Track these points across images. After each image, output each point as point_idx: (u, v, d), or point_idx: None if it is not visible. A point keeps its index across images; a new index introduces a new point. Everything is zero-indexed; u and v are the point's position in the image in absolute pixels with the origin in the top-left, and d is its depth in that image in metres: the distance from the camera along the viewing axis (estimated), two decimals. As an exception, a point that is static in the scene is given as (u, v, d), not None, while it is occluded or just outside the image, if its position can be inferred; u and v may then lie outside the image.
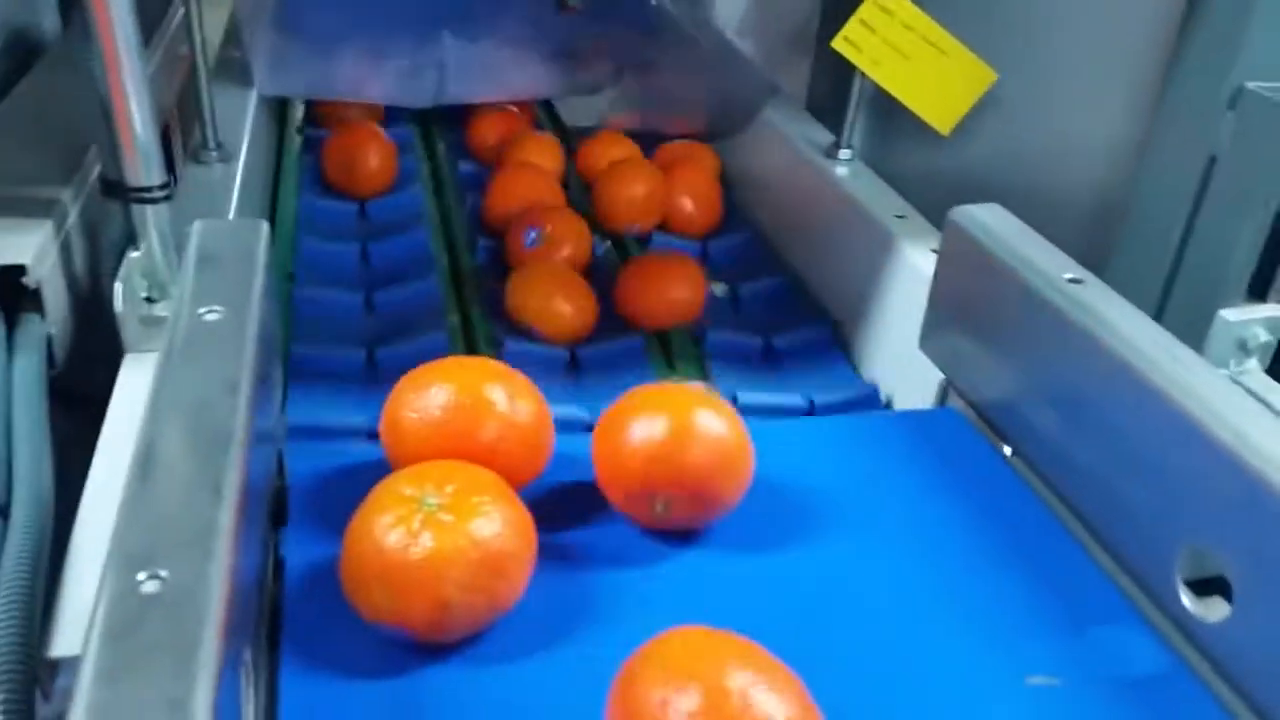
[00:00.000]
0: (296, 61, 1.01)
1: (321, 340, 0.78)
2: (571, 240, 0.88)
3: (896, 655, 0.47)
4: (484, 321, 0.83)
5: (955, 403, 0.66)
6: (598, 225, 0.95)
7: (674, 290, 0.83)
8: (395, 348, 0.77)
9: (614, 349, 0.81)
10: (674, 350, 0.83)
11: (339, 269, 0.89)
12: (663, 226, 0.98)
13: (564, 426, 0.62)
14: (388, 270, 0.90)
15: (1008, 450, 0.60)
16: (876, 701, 0.44)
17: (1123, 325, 0.51)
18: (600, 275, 0.87)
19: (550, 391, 0.62)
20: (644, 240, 0.98)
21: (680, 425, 0.51)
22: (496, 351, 0.78)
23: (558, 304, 0.80)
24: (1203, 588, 0.47)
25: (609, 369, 0.79)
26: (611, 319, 0.83)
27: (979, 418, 0.62)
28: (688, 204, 0.98)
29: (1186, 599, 0.46)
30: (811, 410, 0.74)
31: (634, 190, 0.96)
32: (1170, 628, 0.48)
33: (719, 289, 0.89)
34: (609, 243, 0.97)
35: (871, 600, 0.50)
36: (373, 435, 0.61)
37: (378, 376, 0.75)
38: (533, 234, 0.88)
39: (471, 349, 0.81)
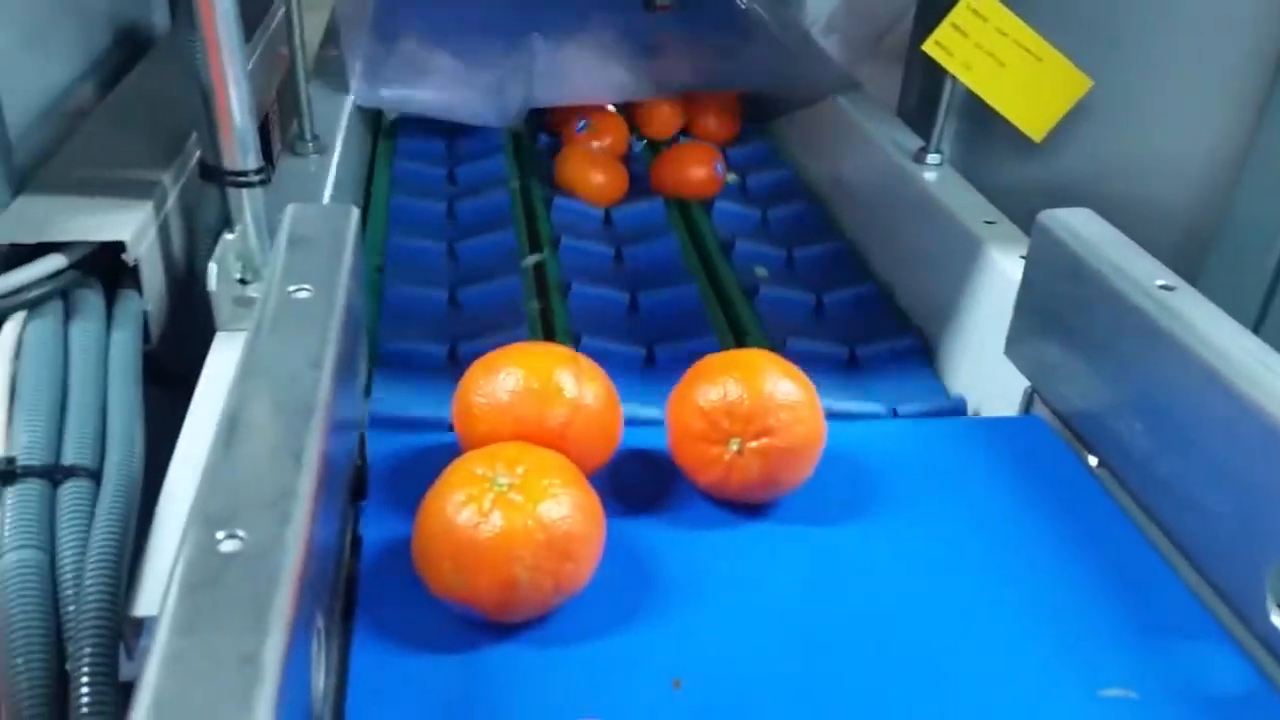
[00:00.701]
0: (392, 68, 1.05)
1: (414, 195, 1.02)
2: (612, 132, 1.14)
3: (965, 658, 0.46)
4: (539, 187, 1.06)
5: (1040, 410, 0.64)
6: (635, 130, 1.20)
7: (695, 170, 1.06)
8: (470, 202, 1.01)
9: (640, 210, 1.03)
10: (691, 215, 1.04)
11: (430, 155, 1.12)
12: (688, 132, 1.21)
13: (596, 259, 0.93)
14: (467, 155, 1.13)
15: (1093, 460, 0.59)
16: (943, 705, 0.44)
17: (1215, 334, 0.50)
18: (636, 165, 1.11)
19: (587, 238, 0.96)
20: (671, 141, 1.20)
21: (755, 376, 0.53)
22: (547, 209, 1.01)
23: (593, 174, 1.03)
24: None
25: (635, 225, 1.01)
26: (647, 195, 1.06)
27: (1064, 426, 0.61)
28: (711, 119, 1.21)
29: (1276, 617, 0.45)
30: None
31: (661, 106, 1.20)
32: (1257, 646, 0.46)
33: (730, 177, 1.09)
34: (645, 141, 1.20)
35: (943, 601, 0.49)
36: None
37: (457, 225, 0.99)
38: (582, 123, 1.13)
39: (529, 208, 1.03)
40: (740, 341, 0.84)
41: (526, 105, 1.10)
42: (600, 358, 0.56)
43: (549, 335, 0.83)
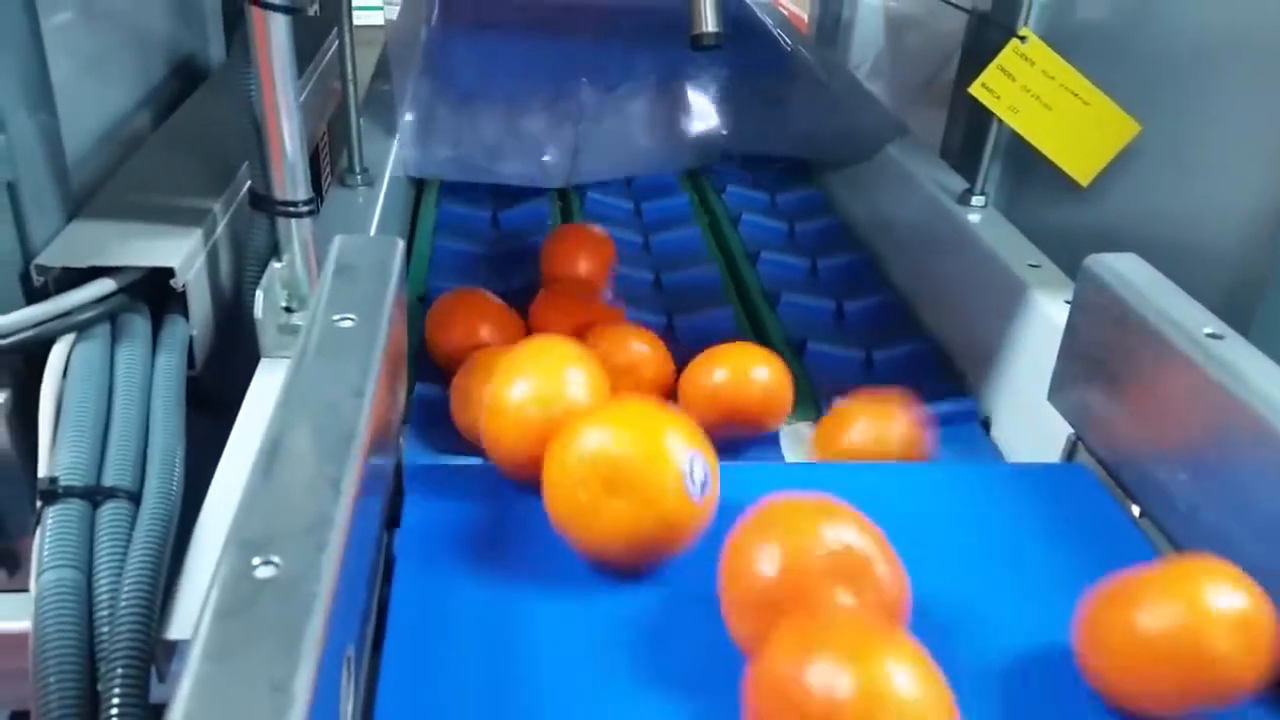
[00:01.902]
0: (440, 116, 1.06)
1: (458, 236, 1.03)
2: None
3: (995, 712, 0.45)
4: None
5: (1084, 458, 0.63)
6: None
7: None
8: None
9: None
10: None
11: (473, 193, 1.13)
12: None
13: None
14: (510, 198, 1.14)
15: (1136, 510, 0.58)
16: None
17: (1263, 383, 0.49)
18: None
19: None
20: None
21: None
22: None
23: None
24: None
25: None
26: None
27: (1107, 475, 0.60)
28: None
29: (1325, 677, 0.43)
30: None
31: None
32: (1306, 706, 0.45)
33: None
34: None
35: (975, 654, 0.48)
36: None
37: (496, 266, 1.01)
38: None
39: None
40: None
41: (573, 177, 1.11)
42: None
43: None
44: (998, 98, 0.82)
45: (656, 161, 1.15)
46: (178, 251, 0.63)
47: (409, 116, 1.06)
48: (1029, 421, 0.71)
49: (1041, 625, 0.50)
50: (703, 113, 1.16)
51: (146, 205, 0.68)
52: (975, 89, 0.82)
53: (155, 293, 0.64)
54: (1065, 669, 0.47)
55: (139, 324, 0.62)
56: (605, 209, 1.10)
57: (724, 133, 1.16)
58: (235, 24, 0.62)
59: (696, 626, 0.48)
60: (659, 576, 0.50)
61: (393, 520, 0.53)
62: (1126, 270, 0.59)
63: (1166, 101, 0.80)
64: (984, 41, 0.91)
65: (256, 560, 0.34)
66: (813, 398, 0.79)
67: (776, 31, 1.24)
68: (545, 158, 1.10)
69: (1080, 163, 0.81)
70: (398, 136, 1.04)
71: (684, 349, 0.76)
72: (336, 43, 0.83)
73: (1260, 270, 0.78)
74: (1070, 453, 0.65)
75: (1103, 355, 0.60)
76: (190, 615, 0.44)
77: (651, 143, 1.15)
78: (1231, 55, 0.78)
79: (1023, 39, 0.82)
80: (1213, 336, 0.53)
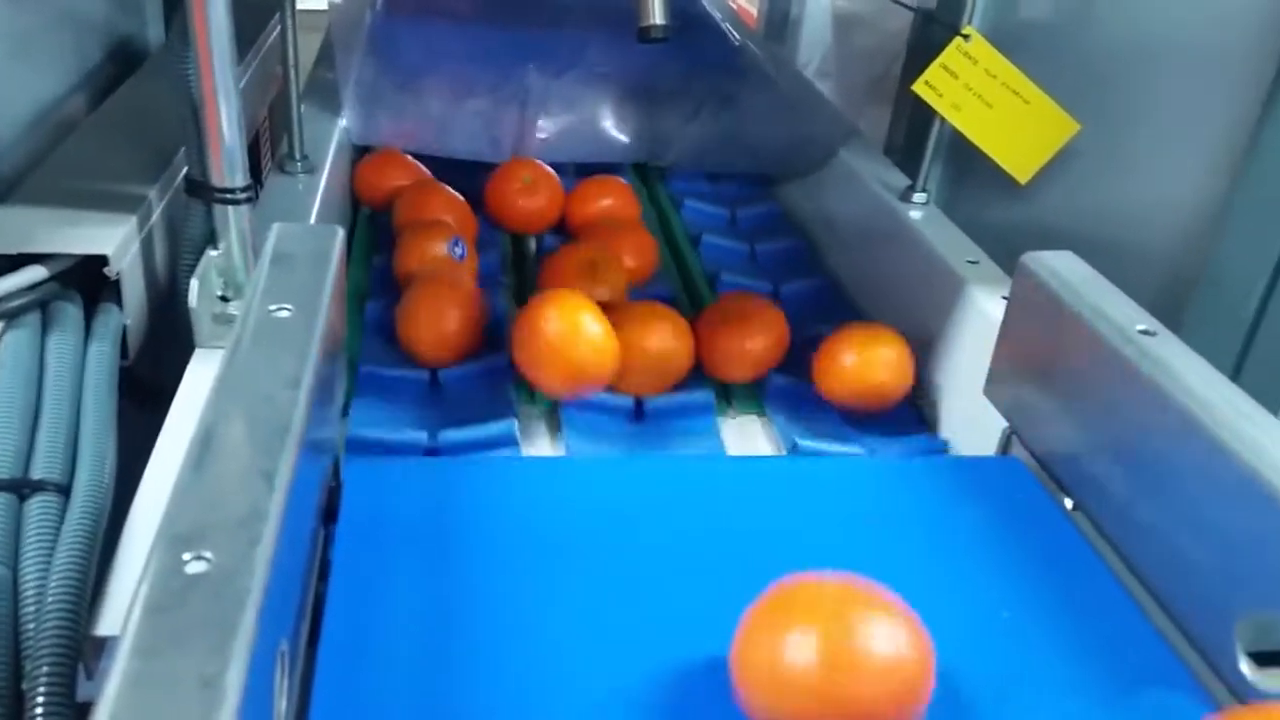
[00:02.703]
0: (386, 106, 1.05)
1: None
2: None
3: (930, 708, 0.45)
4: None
5: (1018, 451, 0.64)
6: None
7: None
8: None
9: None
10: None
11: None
12: None
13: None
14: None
15: (1069, 503, 0.59)
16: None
17: (1193, 380, 0.50)
18: None
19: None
20: None
21: None
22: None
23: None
24: (1264, 656, 0.45)
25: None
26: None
27: (1041, 468, 0.61)
28: None
29: (1246, 667, 0.45)
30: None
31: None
32: (1227, 696, 0.46)
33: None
34: None
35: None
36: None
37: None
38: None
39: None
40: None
41: (521, 152, 1.10)
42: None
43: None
44: (940, 95, 0.83)
45: (605, 147, 1.14)
46: (111, 239, 0.62)
47: (353, 89, 1.04)
48: (967, 415, 0.72)
49: (968, 616, 0.50)
50: (652, 108, 1.16)
51: (79, 191, 0.67)
52: (918, 86, 0.83)
53: (88, 281, 0.62)
54: (994, 660, 0.48)
55: (71, 312, 0.60)
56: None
57: (674, 137, 1.15)
58: (174, 5, 0.61)
59: (645, 628, 0.48)
60: (601, 572, 0.50)
61: (330, 515, 0.52)
62: (1062, 267, 0.60)
63: (1105, 101, 0.82)
64: (928, 39, 0.92)
65: (187, 555, 0.34)
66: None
67: (725, 26, 1.24)
68: (493, 133, 1.09)
69: (1019, 161, 0.82)
70: (343, 110, 1.02)
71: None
72: (279, 27, 0.82)
73: (1192, 269, 0.80)
74: (1005, 446, 0.66)
75: (1038, 350, 0.61)
76: (120, 611, 0.43)
77: (600, 127, 1.14)
78: (1168, 57, 0.80)
79: (966, 37, 0.83)
80: (1145, 333, 0.54)
